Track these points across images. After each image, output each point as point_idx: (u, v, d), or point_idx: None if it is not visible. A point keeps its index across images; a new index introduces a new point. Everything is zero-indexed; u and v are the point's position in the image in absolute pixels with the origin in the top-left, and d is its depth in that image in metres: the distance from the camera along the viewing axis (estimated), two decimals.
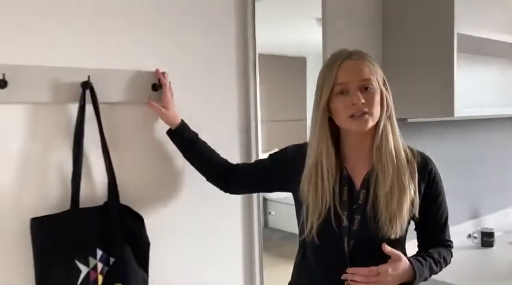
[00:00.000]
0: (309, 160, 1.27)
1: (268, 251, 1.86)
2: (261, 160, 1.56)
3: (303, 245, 1.34)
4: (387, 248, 1.19)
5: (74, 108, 1.28)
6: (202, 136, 1.47)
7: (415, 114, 2.17)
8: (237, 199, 1.67)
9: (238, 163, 1.50)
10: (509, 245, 2.47)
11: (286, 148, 1.42)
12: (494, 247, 2.43)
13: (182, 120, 1.42)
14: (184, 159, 1.47)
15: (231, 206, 1.67)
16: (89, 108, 1.29)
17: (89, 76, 1.29)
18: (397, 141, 1.25)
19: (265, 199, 2.04)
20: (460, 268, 2.07)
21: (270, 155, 1.45)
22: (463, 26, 1.94)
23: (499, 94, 2.74)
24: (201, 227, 1.59)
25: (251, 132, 1.72)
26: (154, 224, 1.44)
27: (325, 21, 1.91)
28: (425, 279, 1.27)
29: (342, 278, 1.19)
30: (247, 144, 1.71)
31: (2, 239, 1.21)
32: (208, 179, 1.47)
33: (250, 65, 1.71)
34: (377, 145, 1.23)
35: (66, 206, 1.27)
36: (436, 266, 1.28)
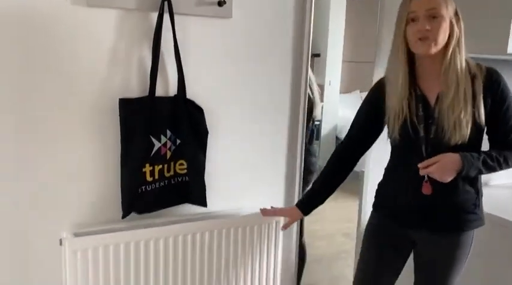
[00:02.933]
0: (388, 80, 1.53)
1: None
2: (357, 116, 1.68)
3: (391, 153, 1.64)
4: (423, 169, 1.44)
5: (154, 16, 1.59)
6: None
7: (471, 51, 2.25)
8: (284, 106, 1.94)
9: (344, 141, 1.71)
10: None
11: (371, 91, 1.66)
12: None
13: (296, 205, 1.76)
14: (238, 66, 1.80)
15: (278, 102, 1.94)
16: (166, 17, 1.59)
17: None
18: (462, 64, 1.44)
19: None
20: None
21: (365, 103, 1.67)
22: None
23: None
24: (250, 122, 1.88)
25: (302, 62, 1.95)
26: (213, 117, 1.76)
27: None
28: (480, 171, 1.45)
29: (420, 173, 1.45)
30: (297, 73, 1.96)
31: (99, 112, 1.58)
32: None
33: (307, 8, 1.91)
34: (445, 68, 1.44)
35: (145, 93, 1.61)
36: (493, 162, 1.45)
